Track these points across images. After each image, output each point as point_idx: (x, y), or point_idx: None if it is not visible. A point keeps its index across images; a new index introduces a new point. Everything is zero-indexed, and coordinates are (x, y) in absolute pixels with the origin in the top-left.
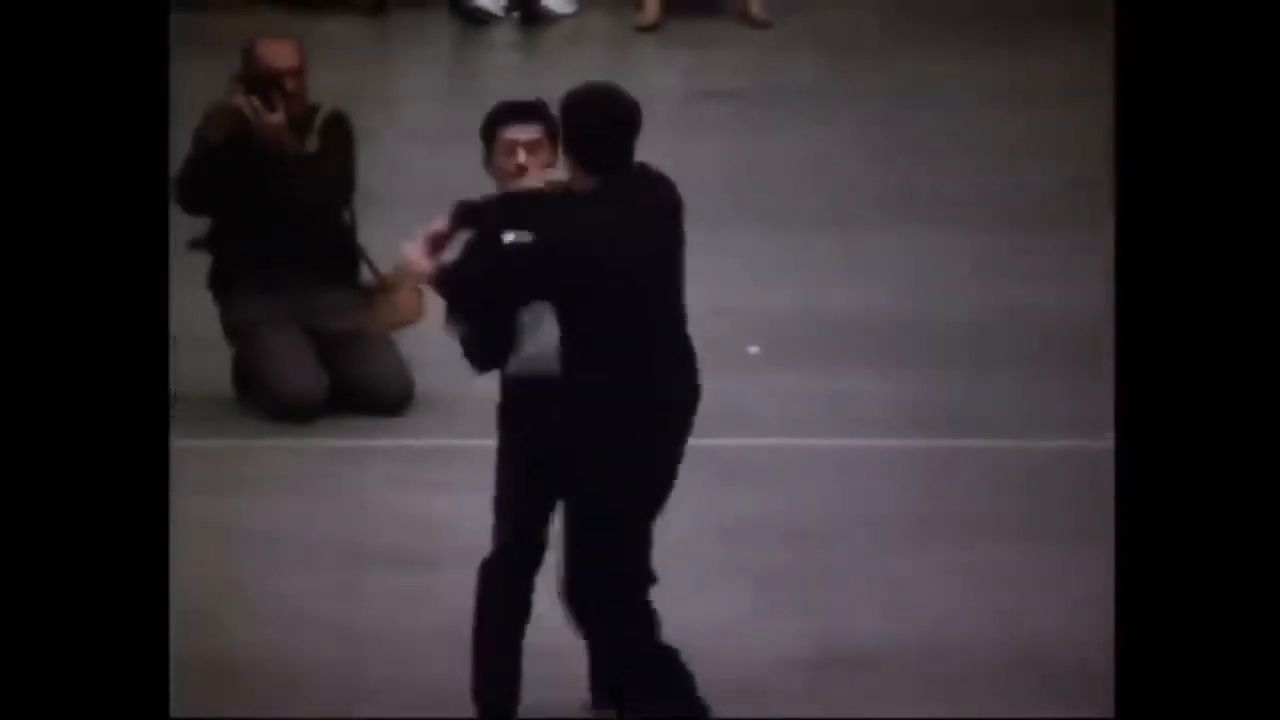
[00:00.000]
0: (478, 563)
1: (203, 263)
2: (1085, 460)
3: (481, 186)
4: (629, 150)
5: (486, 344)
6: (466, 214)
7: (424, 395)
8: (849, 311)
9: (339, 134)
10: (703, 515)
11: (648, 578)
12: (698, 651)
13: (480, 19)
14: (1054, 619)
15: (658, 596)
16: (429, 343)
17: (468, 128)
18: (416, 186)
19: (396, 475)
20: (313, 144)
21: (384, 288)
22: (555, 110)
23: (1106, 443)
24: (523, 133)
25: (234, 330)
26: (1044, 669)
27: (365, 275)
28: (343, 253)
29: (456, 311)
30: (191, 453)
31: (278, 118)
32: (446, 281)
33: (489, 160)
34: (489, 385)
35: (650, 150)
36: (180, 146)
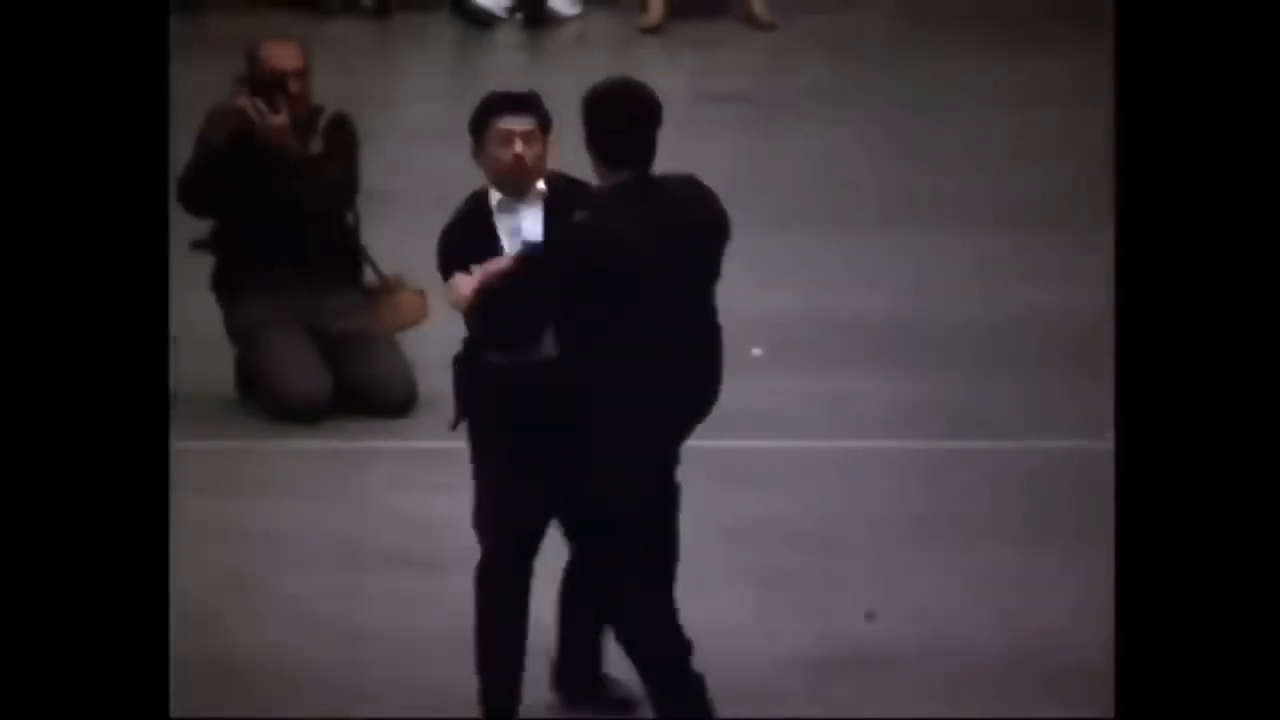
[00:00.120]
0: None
1: (203, 263)
2: (1085, 461)
3: None
4: (650, 144)
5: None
6: (530, 258)
7: (427, 397)
8: (852, 313)
9: (342, 136)
10: (704, 516)
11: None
12: (699, 652)
13: (483, 20)
14: (1054, 619)
15: None
16: (432, 344)
17: None
18: (419, 188)
19: (399, 476)
20: (316, 146)
21: (387, 289)
22: (551, 110)
23: (1106, 443)
24: (518, 123)
25: (237, 332)
26: (1044, 669)
27: (369, 277)
28: (346, 254)
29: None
30: (195, 454)
31: (281, 119)
32: (480, 314)
33: (479, 151)
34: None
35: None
36: (180, 147)
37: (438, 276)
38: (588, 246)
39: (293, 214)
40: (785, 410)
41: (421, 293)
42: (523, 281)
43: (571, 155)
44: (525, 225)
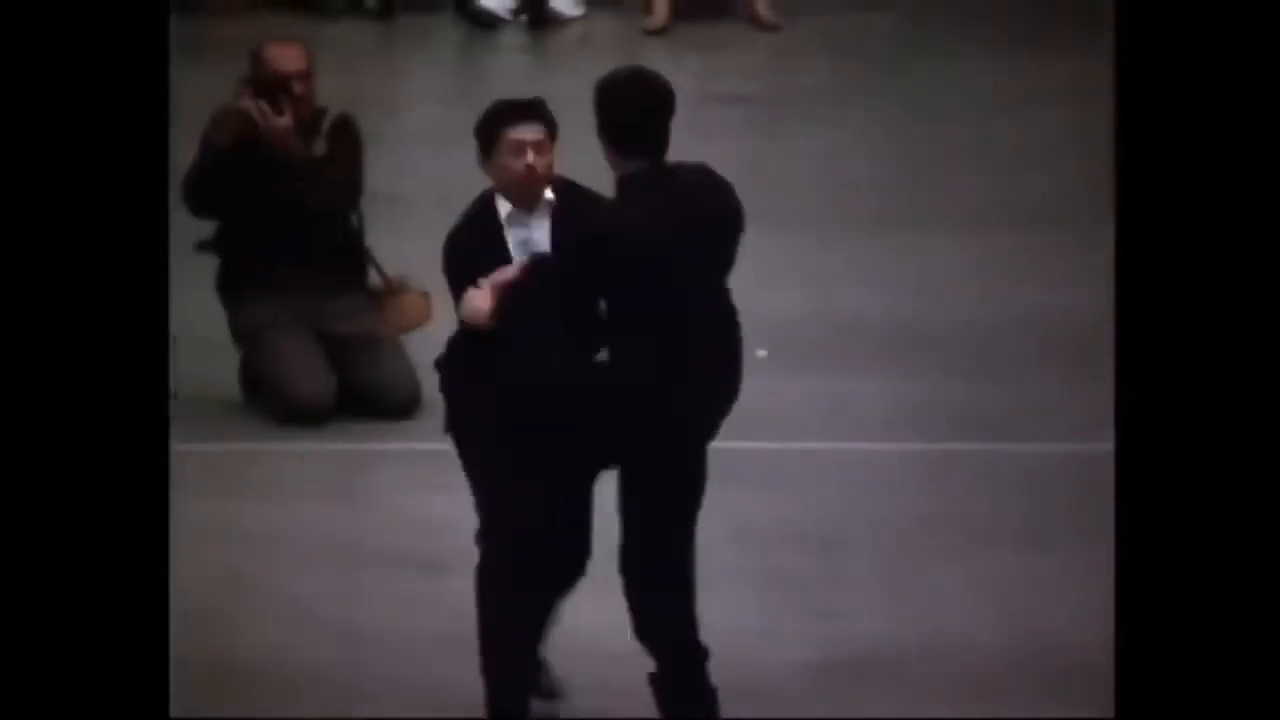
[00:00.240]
0: None
1: (205, 264)
2: (1086, 463)
3: None
4: (663, 133)
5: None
6: (538, 265)
7: (432, 398)
8: (853, 313)
9: (346, 137)
10: (708, 517)
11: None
12: None
13: (487, 22)
14: (1054, 620)
15: None
16: (437, 346)
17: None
18: (424, 189)
19: (403, 478)
20: (320, 147)
21: (392, 291)
22: (554, 112)
23: (1106, 444)
24: (529, 133)
25: (242, 334)
26: (1044, 669)
27: (373, 279)
28: (350, 256)
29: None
30: (197, 456)
31: (285, 121)
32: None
33: (487, 159)
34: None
35: None
36: (181, 149)
37: (442, 279)
38: (601, 240)
39: (297, 216)
40: (786, 411)
41: (426, 295)
42: (539, 288)
43: (573, 156)
44: (535, 235)
